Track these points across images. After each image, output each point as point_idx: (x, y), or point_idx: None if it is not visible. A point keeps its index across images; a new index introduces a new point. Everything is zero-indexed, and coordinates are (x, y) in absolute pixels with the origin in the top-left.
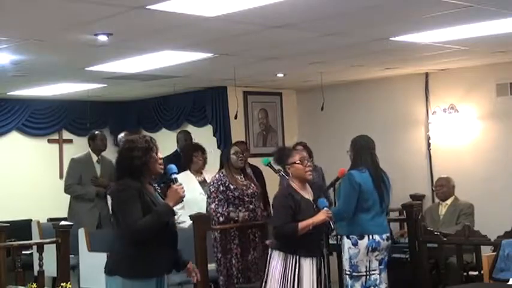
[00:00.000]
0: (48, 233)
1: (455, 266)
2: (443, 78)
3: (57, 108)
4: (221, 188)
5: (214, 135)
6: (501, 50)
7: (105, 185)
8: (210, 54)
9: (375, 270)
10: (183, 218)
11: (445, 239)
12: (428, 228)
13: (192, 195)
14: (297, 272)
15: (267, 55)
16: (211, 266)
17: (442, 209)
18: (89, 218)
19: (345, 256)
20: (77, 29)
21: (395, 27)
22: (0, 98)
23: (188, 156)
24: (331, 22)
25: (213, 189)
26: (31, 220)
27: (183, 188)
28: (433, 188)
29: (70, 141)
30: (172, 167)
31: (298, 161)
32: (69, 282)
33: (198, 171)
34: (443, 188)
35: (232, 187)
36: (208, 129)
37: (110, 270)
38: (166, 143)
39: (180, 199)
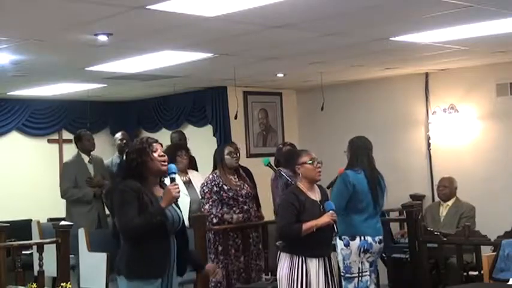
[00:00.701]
0: (48, 233)
1: (455, 266)
2: (443, 78)
3: (57, 108)
4: (215, 188)
5: (214, 135)
6: (501, 50)
7: (100, 185)
8: (210, 54)
9: (366, 271)
10: None
11: (445, 239)
12: (428, 229)
13: None
14: (304, 273)
15: (267, 55)
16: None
17: (443, 210)
18: (87, 220)
19: (339, 257)
20: (77, 29)
21: (395, 27)
22: (0, 98)
23: (172, 156)
24: (331, 22)
25: (207, 190)
26: (31, 220)
27: (177, 188)
28: (436, 188)
29: (70, 141)
30: (172, 166)
31: (310, 161)
32: (69, 282)
33: (182, 171)
34: (446, 189)
35: (226, 187)
36: (208, 129)
37: (117, 270)
38: (166, 143)
39: (173, 199)
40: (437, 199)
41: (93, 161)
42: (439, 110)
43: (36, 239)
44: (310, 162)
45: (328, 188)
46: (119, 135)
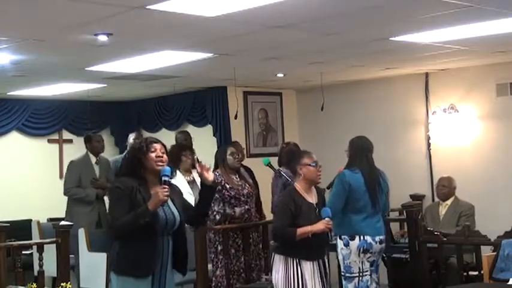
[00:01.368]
0: (48, 233)
1: (455, 266)
2: (443, 78)
3: (57, 108)
4: (217, 187)
5: (214, 135)
6: (501, 50)
7: (104, 187)
8: (210, 54)
9: (366, 271)
10: None
11: (445, 239)
12: (429, 228)
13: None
14: (299, 275)
15: (267, 55)
16: (212, 266)
17: (442, 209)
18: (87, 220)
19: (339, 257)
20: (77, 29)
21: (396, 27)
22: (0, 98)
23: (177, 156)
24: (331, 22)
25: None
26: (31, 220)
27: (166, 191)
28: (435, 187)
29: (70, 141)
30: (166, 169)
31: (313, 164)
32: (69, 282)
33: (187, 171)
34: (445, 188)
35: (228, 186)
36: (208, 129)
37: (110, 266)
38: (166, 143)
39: (160, 202)
40: (437, 199)
41: (100, 163)
42: (439, 110)
43: (36, 239)
44: (314, 164)
45: (327, 188)
46: (132, 135)
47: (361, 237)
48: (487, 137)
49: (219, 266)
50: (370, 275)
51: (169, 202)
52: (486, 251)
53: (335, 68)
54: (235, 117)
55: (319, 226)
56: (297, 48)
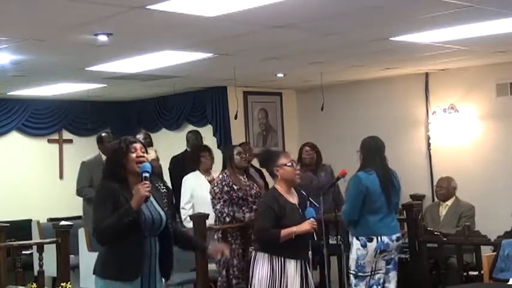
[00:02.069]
0: (48, 233)
1: (455, 266)
2: (443, 78)
3: (57, 108)
4: (225, 188)
5: (214, 135)
6: (501, 50)
7: None
8: (210, 54)
9: (380, 269)
10: None
11: (445, 239)
12: (429, 228)
13: (201, 194)
14: (283, 274)
15: (267, 55)
16: (212, 266)
17: (443, 210)
18: None
19: (352, 256)
20: (77, 29)
21: (396, 27)
22: (0, 98)
23: (196, 157)
24: (331, 22)
25: (218, 190)
26: (31, 220)
27: (147, 186)
28: (435, 188)
29: (70, 141)
30: (146, 165)
31: (289, 164)
32: (69, 282)
33: (206, 171)
34: (443, 189)
35: (235, 187)
36: (208, 129)
37: (94, 270)
38: (166, 143)
39: (142, 198)
40: (437, 199)
41: None
42: (439, 110)
43: (36, 239)
44: (290, 164)
45: (328, 188)
46: (140, 136)
47: (379, 239)
48: (487, 137)
49: (221, 264)
50: (387, 273)
51: (154, 202)
52: (486, 251)
53: (335, 68)
54: (235, 117)
55: (305, 226)
56: (297, 48)
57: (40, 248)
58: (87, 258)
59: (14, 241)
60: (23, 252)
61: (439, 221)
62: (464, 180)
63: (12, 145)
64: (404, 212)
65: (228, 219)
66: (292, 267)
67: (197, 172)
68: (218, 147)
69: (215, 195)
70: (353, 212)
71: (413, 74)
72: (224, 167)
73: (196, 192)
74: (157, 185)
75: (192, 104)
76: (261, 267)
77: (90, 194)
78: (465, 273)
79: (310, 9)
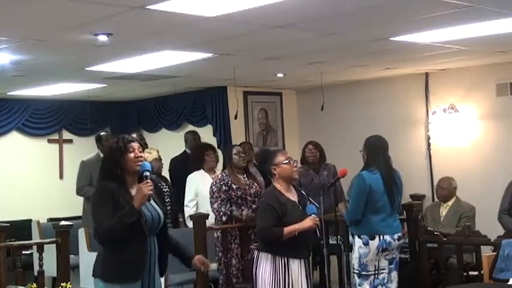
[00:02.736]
0: (48, 233)
1: (455, 266)
2: (443, 78)
3: (57, 108)
4: (223, 187)
5: (214, 135)
6: (501, 50)
7: None
8: (210, 54)
9: (383, 269)
10: None
11: (445, 239)
12: (429, 228)
13: (206, 193)
14: (287, 273)
15: (267, 55)
16: (212, 266)
17: (443, 210)
18: None
19: (355, 255)
20: (77, 29)
21: (396, 27)
22: (0, 98)
23: (200, 156)
24: (331, 22)
25: (216, 189)
26: (31, 220)
27: (150, 185)
28: (435, 188)
29: (70, 141)
30: (146, 164)
31: (286, 161)
32: (69, 282)
33: (211, 170)
34: (444, 190)
35: (234, 187)
36: (208, 129)
37: (93, 272)
38: (166, 143)
39: (145, 197)
40: (437, 199)
41: None
42: (439, 110)
43: (36, 239)
44: (286, 162)
45: (328, 188)
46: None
47: (381, 237)
48: (487, 137)
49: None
50: (389, 273)
51: (152, 200)
52: (486, 251)
53: (335, 68)
54: (235, 117)
55: (306, 223)
56: (297, 48)
57: (40, 248)
58: (87, 258)
59: (14, 241)
60: (23, 252)
61: (440, 221)
62: (464, 180)
63: (12, 145)
64: (405, 212)
65: (224, 218)
66: (296, 267)
67: (201, 171)
68: (218, 147)
69: (213, 194)
70: (356, 212)
71: (413, 74)
72: (224, 167)
73: (201, 190)
74: (159, 184)
75: (192, 104)
76: (264, 268)
77: (90, 192)
78: (465, 273)
79: (310, 9)
